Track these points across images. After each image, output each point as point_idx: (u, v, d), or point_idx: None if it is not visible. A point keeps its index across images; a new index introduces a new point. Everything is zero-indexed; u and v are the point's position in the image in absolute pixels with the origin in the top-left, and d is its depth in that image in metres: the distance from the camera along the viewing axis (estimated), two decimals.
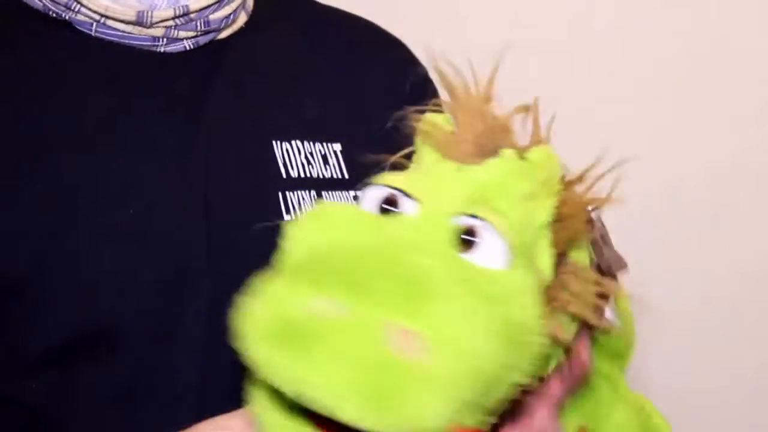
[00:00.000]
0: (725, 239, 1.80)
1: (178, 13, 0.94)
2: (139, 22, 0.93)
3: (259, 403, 0.68)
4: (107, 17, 0.93)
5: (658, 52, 1.78)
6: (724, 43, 1.78)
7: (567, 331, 0.70)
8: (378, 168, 0.98)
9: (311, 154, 0.98)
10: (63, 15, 0.94)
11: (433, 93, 1.06)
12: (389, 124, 0.99)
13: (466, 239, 0.65)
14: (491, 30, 1.73)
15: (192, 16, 0.95)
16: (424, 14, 1.78)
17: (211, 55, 0.98)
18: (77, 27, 0.94)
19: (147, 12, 0.93)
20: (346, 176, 1.00)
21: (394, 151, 1.01)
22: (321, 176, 0.98)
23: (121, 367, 0.86)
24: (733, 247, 1.81)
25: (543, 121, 0.73)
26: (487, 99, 0.71)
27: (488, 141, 0.69)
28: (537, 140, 0.72)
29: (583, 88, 1.78)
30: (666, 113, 1.80)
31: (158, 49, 0.95)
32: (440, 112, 0.73)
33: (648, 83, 1.80)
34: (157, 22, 0.94)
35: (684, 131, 1.80)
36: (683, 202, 1.81)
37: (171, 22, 0.94)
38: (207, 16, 0.96)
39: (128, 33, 0.94)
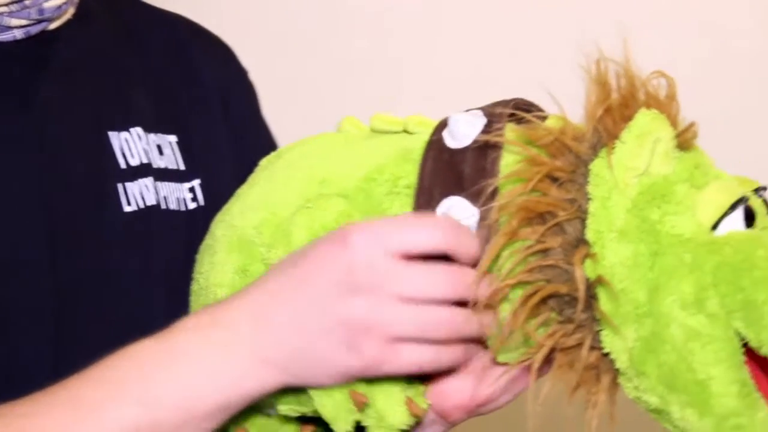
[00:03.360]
0: None
1: None
2: None
3: None
4: None
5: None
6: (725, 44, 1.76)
7: None
8: (213, 161, 1.02)
9: (147, 143, 0.98)
10: None
11: (253, 91, 1.12)
12: None
13: None
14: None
15: (26, 2, 0.93)
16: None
17: (42, 45, 0.95)
18: None
19: None
20: (182, 167, 1.00)
21: (226, 143, 1.05)
22: (157, 166, 0.98)
23: None
24: None
25: None
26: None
27: None
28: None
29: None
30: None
31: None
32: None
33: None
34: None
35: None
36: None
37: (5, 8, 0.91)
38: (41, 4, 0.94)
39: None
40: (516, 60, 1.73)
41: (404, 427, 0.78)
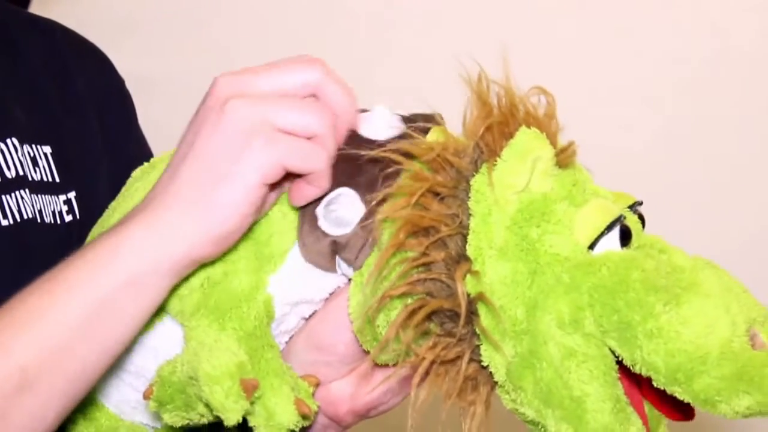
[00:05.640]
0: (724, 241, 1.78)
1: None
2: None
3: None
4: None
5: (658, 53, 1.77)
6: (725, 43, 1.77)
7: None
8: (88, 173, 1.00)
9: (22, 154, 0.95)
10: None
11: (130, 101, 1.10)
12: None
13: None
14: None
15: None
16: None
17: None
18: None
19: None
20: (57, 179, 0.97)
21: (101, 155, 1.03)
22: (32, 178, 0.95)
23: None
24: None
25: None
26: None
27: None
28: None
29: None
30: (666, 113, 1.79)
31: None
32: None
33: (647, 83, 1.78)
34: None
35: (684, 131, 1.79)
36: (682, 203, 1.79)
37: None
38: None
39: None
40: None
41: (293, 427, 0.78)
